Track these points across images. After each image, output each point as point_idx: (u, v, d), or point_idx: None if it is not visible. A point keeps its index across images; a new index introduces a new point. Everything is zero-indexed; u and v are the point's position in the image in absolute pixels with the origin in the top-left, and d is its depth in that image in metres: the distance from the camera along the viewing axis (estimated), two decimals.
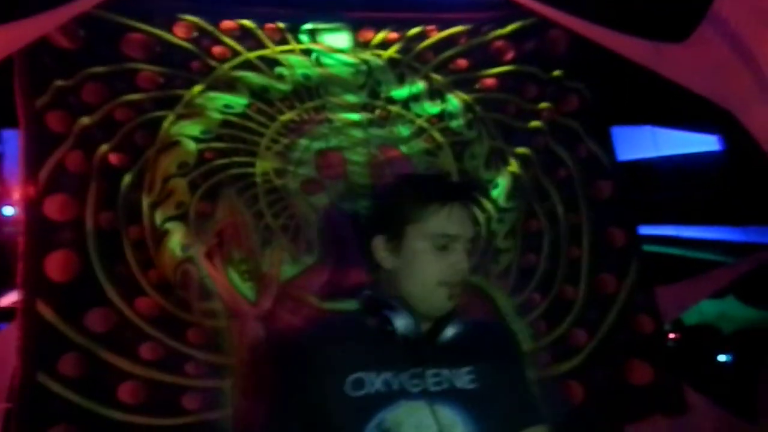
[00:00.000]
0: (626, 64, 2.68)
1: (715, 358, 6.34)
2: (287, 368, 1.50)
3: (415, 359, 1.44)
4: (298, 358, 1.49)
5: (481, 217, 2.59)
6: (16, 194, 2.62)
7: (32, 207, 2.25)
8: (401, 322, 1.43)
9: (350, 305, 1.87)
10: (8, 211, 3.54)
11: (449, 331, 1.46)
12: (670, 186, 3.81)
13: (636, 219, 2.79)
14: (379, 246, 1.50)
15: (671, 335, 6.39)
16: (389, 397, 1.41)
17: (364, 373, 1.43)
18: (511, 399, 1.48)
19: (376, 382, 1.42)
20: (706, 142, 3.90)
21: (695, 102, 2.69)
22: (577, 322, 2.58)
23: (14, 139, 2.45)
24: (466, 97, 2.73)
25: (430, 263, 1.45)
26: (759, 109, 2.42)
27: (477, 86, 2.76)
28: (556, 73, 2.80)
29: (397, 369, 1.44)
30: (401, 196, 1.53)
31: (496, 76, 2.78)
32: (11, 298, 2.34)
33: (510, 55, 2.80)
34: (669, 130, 3.58)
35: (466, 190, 1.58)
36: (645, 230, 2.98)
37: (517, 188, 2.67)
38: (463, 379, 1.46)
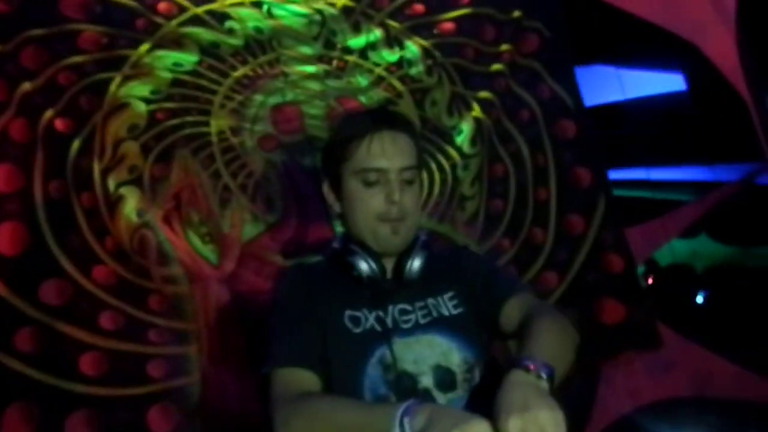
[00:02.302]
0: (588, 1, 2.62)
1: (692, 298, 6.41)
2: (283, 304, 1.46)
3: (393, 297, 1.44)
4: (292, 294, 1.46)
5: (445, 164, 2.54)
6: None
7: None
8: (363, 266, 1.42)
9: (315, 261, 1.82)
10: None
11: (414, 265, 1.43)
12: (637, 128, 3.78)
13: (602, 158, 2.75)
14: (326, 191, 1.48)
15: (649, 279, 6.45)
16: (384, 334, 1.40)
17: (356, 310, 1.42)
18: (490, 293, 1.46)
19: (369, 318, 1.42)
20: (672, 83, 3.88)
21: (658, 39, 2.64)
22: (547, 265, 2.56)
23: None
24: (424, 42, 2.66)
25: (363, 200, 1.43)
26: (718, 36, 2.37)
27: (435, 31, 2.69)
28: (515, 13, 2.73)
29: (383, 306, 1.41)
30: (331, 136, 1.52)
31: (454, 19, 2.71)
32: None
33: None
34: (634, 72, 3.54)
35: (385, 119, 1.48)
36: (613, 174, 2.95)
37: (480, 133, 2.62)
38: (448, 305, 1.47)
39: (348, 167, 1.44)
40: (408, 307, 1.44)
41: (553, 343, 1.26)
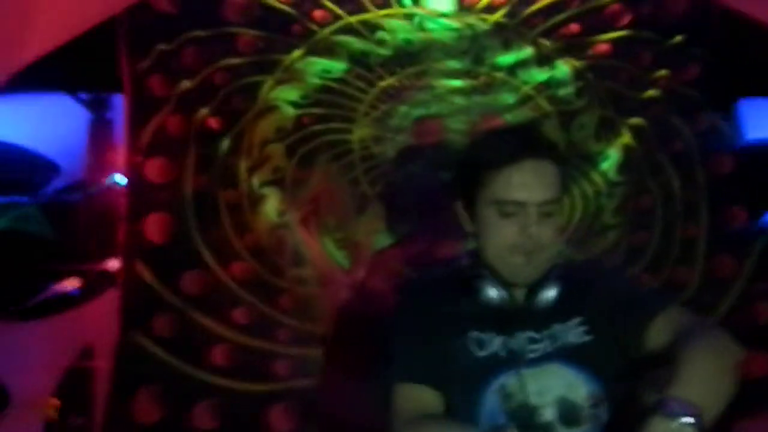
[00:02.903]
0: (755, 27, 2.46)
1: None
2: (405, 319, 1.44)
3: (521, 323, 1.37)
4: (416, 308, 1.44)
5: (588, 190, 2.45)
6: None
7: (134, 170, 2.30)
8: (492, 292, 1.36)
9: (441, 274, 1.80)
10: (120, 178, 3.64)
11: (548, 296, 1.36)
12: None
13: (760, 199, 2.55)
14: (459, 211, 1.43)
15: None
16: (509, 362, 1.35)
17: (482, 333, 1.37)
18: (629, 316, 1.35)
19: (494, 343, 1.37)
20: None
21: None
22: (690, 306, 2.38)
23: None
24: (576, 63, 2.57)
25: (497, 230, 1.35)
26: None
27: (588, 52, 2.59)
28: (676, 38, 2.60)
29: (509, 332, 1.36)
30: (470, 155, 1.44)
31: (610, 41, 2.60)
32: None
33: (625, 20, 2.62)
34: None
35: (529, 145, 1.36)
36: None
37: (628, 161, 2.50)
38: (576, 332, 1.38)
39: (485, 194, 1.36)
40: (536, 336, 1.37)
41: (707, 377, 1.14)
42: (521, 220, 1.33)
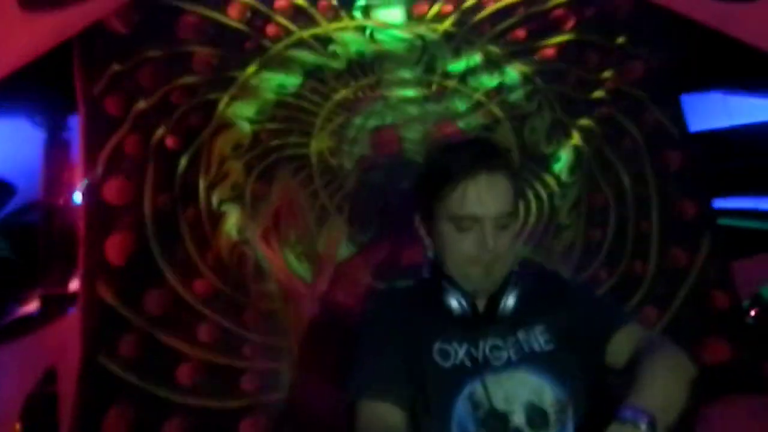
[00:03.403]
0: (694, 27, 2.54)
1: None
2: (370, 332, 1.46)
3: (484, 332, 1.40)
4: (381, 321, 1.45)
5: (542, 192, 2.51)
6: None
7: (91, 191, 2.29)
8: (454, 303, 1.38)
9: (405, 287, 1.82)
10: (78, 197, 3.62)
11: (508, 303, 1.39)
12: (745, 156, 3.62)
13: (708, 190, 2.63)
14: (419, 224, 1.45)
15: (752, 312, 6.07)
16: (474, 370, 1.37)
17: (446, 343, 1.39)
18: (590, 329, 1.40)
19: (459, 352, 1.39)
20: None
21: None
22: (647, 299, 2.45)
23: None
24: (524, 68, 2.63)
25: (454, 243, 1.37)
26: None
27: (536, 57, 2.65)
28: (620, 39, 2.68)
29: (473, 341, 1.39)
30: (426, 168, 1.47)
31: (556, 45, 2.67)
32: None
33: (570, 23, 2.69)
34: (742, 98, 3.40)
35: (483, 159, 1.38)
36: (720, 203, 2.82)
37: (579, 162, 2.56)
38: (539, 340, 1.41)
39: (441, 208, 1.38)
40: (500, 343, 1.40)
41: (662, 387, 1.21)
42: (478, 235, 1.35)
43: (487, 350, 1.39)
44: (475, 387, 1.35)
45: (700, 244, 2.53)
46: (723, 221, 2.78)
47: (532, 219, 2.48)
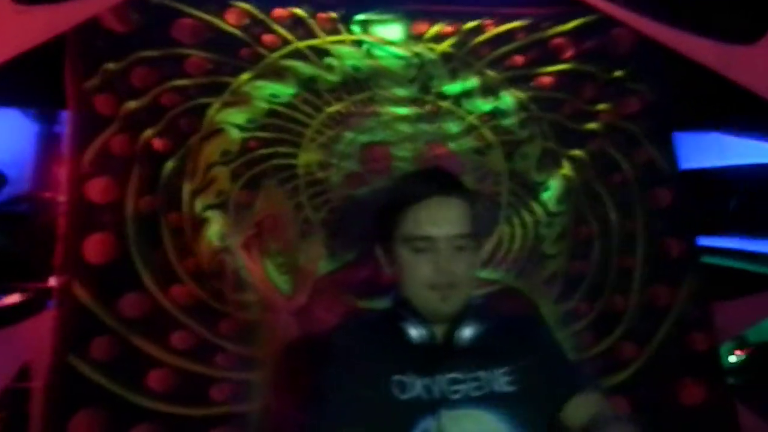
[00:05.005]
0: (693, 66, 2.55)
1: None
2: (331, 363, 1.46)
3: (444, 365, 1.39)
4: (341, 353, 1.45)
5: (528, 219, 2.50)
6: None
7: (74, 189, 2.26)
8: (414, 332, 1.39)
9: (386, 305, 1.81)
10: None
11: (465, 333, 1.40)
12: (737, 196, 3.63)
13: (695, 230, 2.63)
14: (379, 253, 1.47)
15: (738, 352, 6.10)
16: (431, 404, 1.36)
17: (404, 376, 1.39)
18: (552, 384, 1.40)
19: (416, 386, 1.39)
20: None
21: (765, 108, 2.53)
22: (627, 335, 2.44)
23: None
24: (520, 94, 2.63)
25: (412, 267, 1.42)
26: None
27: (533, 84, 2.65)
28: (618, 73, 2.68)
29: (431, 374, 1.38)
30: (383, 201, 1.52)
31: (554, 74, 2.67)
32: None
33: (569, 53, 2.69)
34: (737, 138, 3.41)
35: (436, 184, 1.46)
36: (708, 241, 2.82)
37: (568, 192, 2.56)
38: (500, 381, 1.42)
39: (398, 233, 1.43)
40: (459, 377, 1.40)
41: None
42: (433, 256, 1.39)
43: (444, 384, 1.38)
44: (430, 422, 1.34)
45: (683, 283, 2.52)
46: (709, 260, 2.78)
47: (516, 246, 2.47)
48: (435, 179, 1.48)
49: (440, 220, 1.39)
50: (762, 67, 2.42)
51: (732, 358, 6.14)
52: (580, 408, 1.35)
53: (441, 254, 1.38)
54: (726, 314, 2.63)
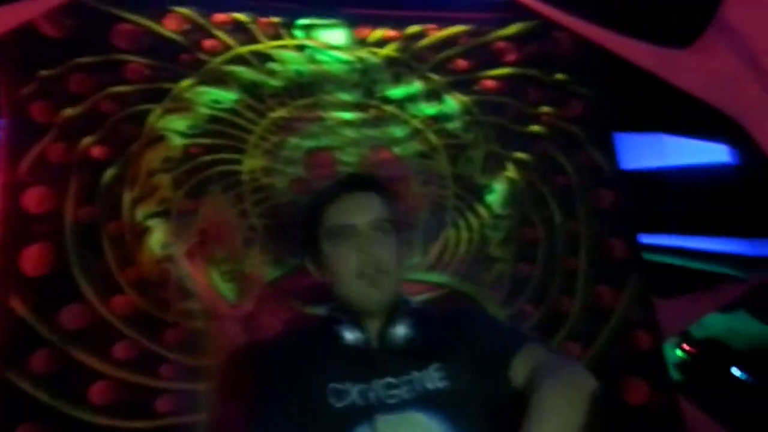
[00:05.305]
0: (633, 69, 2.59)
1: (725, 377, 6.16)
2: (268, 376, 1.45)
3: (379, 370, 1.39)
4: (278, 365, 1.45)
5: (474, 223, 2.51)
6: None
7: (10, 199, 2.20)
8: (349, 335, 1.39)
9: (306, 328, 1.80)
10: None
11: (399, 331, 1.41)
12: (678, 196, 3.71)
13: (638, 231, 2.68)
14: (309, 265, 1.54)
15: (685, 347, 6.24)
16: (368, 410, 1.36)
17: (341, 383, 1.38)
18: (488, 362, 1.42)
19: (353, 392, 1.39)
20: (716, 152, 3.80)
21: (705, 110, 2.59)
22: (571, 336, 2.47)
23: None
24: (464, 98, 2.65)
25: (338, 259, 1.45)
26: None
27: (476, 88, 2.67)
28: (560, 76, 2.72)
29: (367, 380, 1.38)
30: (306, 207, 1.60)
31: (497, 78, 2.70)
32: None
33: (512, 57, 2.73)
34: (678, 139, 3.49)
35: (355, 182, 1.55)
36: (650, 239, 2.88)
37: (513, 195, 2.58)
38: (434, 378, 1.42)
39: (321, 230, 1.48)
40: (394, 381, 1.40)
41: (556, 411, 1.23)
42: (357, 242, 1.43)
43: (380, 389, 1.39)
44: (366, 429, 1.34)
45: (627, 283, 2.56)
46: (652, 257, 2.83)
47: (462, 249, 2.48)
48: (352, 178, 1.61)
49: (359, 208, 1.46)
50: (697, 69, 2.48)
51: (678, 353, 6.29)
52: (522, 365, 1.35)
53: (364, 239, 1.42)
54: (670, 312, 2.69)
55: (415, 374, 1.40)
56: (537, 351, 1.39)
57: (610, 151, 2.72)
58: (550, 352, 1.41)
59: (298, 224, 1.57)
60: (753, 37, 2.28)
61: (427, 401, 1.37)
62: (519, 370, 1.36)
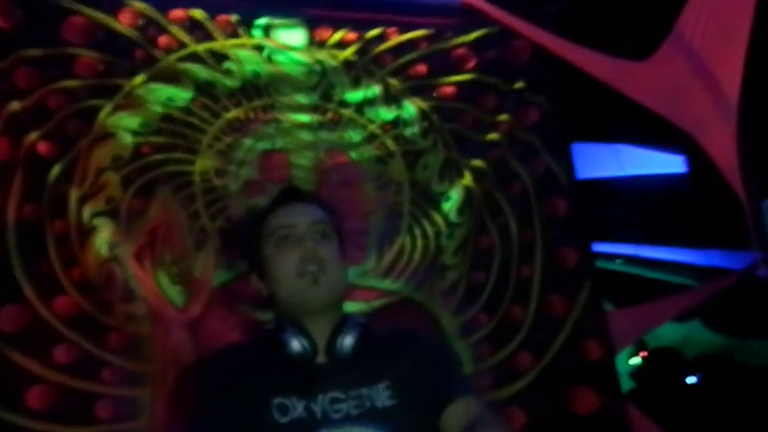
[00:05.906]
0: (590, 79, 2.61)
1: (678, 386, 6.27)
2: (209, 390, 1.41)
3: (325, 384, 1.37)
4: (220, 378, 1.41)
5: (429, 230, 2.49)
6: None
7: None
8: (295, 344, 1.37)
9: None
10: None
11: (346, 342, 1.39)
12: (632, 205, 3.75)
13: (591, 240, 2.69)
14: (254, 281, 1.52)
15: (641, 353, 6.32)
16: (312, 425, 1.33)
17: (286, 398, 1.35)
18: (430, 392, 1.40)
19: (298, 407, 1.35)
20: (670, 163, 3.85)
21: (660, 121, 2.62)
22: (523, 345, 2.47)
23: None
24: (422, 104, 2.63)
25: (279, 260, 1.44)
26: (718, 132, 2.34)
27: (435, 94, 2.66)
28: (517, 84, 2.71)
29: (313, 395, 1.35)
30: (248, 221, 1.64)
31: (456, 84, 2.69)
32: None
33: (471, 64, 2.72)
34: (633, 149, 3.53)
35: (295, 193, 1.59)
36: (603, 247, 2.90)
37: (469, 202, 2.57)
38: (382, 395, 1.39)
39: (263, 238, 1.48)
40: (341, 396, 1.37)
41: None
42: (298, 243, 1.43)
43: (326, 404, 1.36)
44: None
45: (579, 293, 2.57)
46: (605, 265, 2.85)
47: (417, 257, 2.46)
48: (294, 189, 1.65)
49: (299, 211, 1.49)
50: (651, 81, 2.50)
51: (633, 362, 6.38)
52: (456, 414, 1.35)
53: (305, 239, 1.43)
54: (624, 321, 2.71)
55: (364, 390, 1.38)
56: (472, 406, 1.39)
57: (566, 161, 2.73)
58: (484, 411, 1.40)
59: (241, 238, 1.56)
60: (706, 49, 2.31)
61: (372, 417, 1.35)
62: (452, 417, 1.36)
